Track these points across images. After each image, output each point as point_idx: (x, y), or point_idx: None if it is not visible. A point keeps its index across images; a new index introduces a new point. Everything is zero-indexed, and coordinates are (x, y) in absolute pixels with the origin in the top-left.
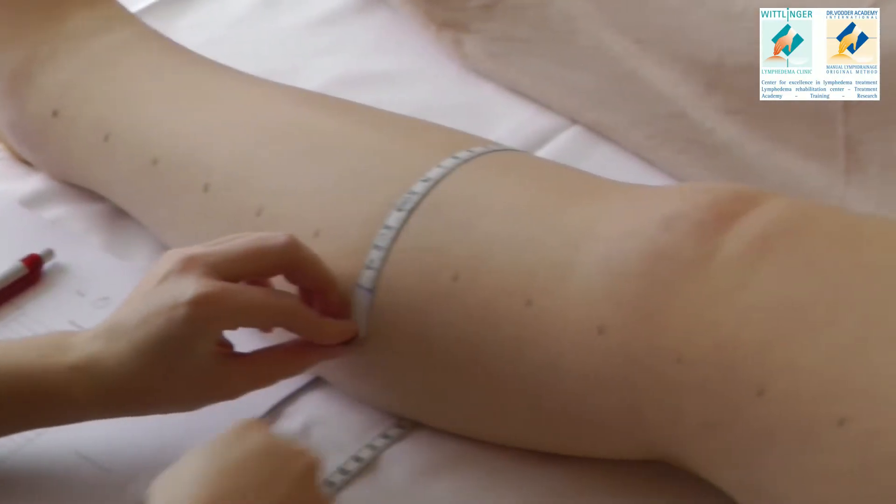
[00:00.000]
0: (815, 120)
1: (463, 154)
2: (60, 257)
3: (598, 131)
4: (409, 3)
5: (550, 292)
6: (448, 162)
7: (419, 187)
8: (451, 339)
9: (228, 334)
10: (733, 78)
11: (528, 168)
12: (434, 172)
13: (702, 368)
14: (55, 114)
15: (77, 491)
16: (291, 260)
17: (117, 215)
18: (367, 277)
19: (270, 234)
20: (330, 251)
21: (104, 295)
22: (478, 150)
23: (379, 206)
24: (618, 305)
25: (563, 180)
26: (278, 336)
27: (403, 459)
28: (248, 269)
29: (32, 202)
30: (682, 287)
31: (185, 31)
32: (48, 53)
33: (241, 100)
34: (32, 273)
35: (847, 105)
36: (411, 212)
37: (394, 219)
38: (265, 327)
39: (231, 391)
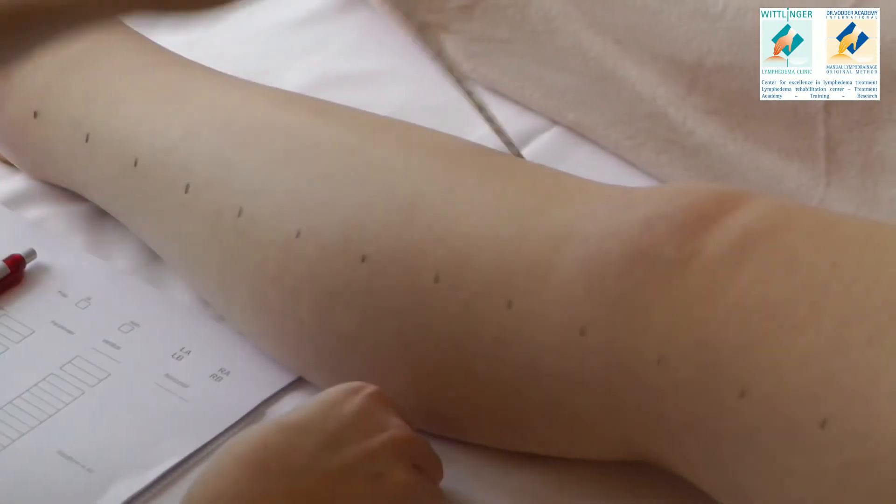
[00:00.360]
0: (796, 121)
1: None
2: (42, 258)
3: (578, 131)
4: (388, 3)
5: (531, 293)
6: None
7: None
8: (432, 341)
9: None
10: (713, 78)
11: (508, 169)
12: None
13: (683, 370)
14: (36, 115)
15: (60, 491)
16: None
17: (99, 216)
18: None
19: None
20: (309, 253)
21: (87, 296)
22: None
23: (356, 208)
24: (598, 306)
25: (543, 181)
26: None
27: None
28: None
29: (14, 202)
30: (662, 288)
31: (167, 32)
32: None
33: (221, 100)
34: (14, 273)
35: (828, 106)
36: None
37: None
38: None
39: None
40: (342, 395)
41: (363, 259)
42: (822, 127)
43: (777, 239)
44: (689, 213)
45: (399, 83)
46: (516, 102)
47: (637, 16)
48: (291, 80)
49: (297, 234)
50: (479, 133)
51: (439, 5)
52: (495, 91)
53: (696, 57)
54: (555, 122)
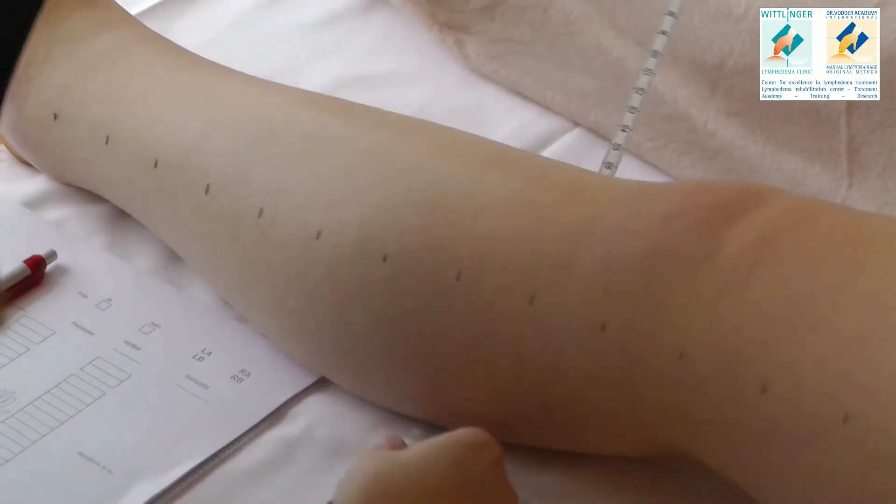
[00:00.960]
0: (818, 122)
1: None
2: (63, 259)
3: (600, 133)
4: (410, 4)
5: (552, 289)
6: None
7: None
8: (453, 340)
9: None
10: (735, 80)
11: (528, 165)
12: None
13: (704, 366)
14: (55, 117)
15: (80, 492)
16: None
17: (120, 217)
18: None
19: None
20: (329, 253)
21: (107, 297)
22: None
23: (377, 207)
24: (619, 302)
25: (563, 177)
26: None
27: None
28: None
29: (34, 203)
30: (683, 284)
31: (186, 32)
32: (45, 55)
33: (240, 99)
34: (35, 274)
35: (850, 107)
36: None
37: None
38: None
39: None
40: (470, 450)
41: (384, 259)
42: (844, 129)
43: (799, 236)
44: (711, 210)
45: (420, 84)
46: (538, 104)
47: (658, 17)
48: (312, 80)
49: (318, 235)
50: (501, 133)
51: (461, 6)
52: (517, 93)
53: (718, 58)
54: (576, 124)
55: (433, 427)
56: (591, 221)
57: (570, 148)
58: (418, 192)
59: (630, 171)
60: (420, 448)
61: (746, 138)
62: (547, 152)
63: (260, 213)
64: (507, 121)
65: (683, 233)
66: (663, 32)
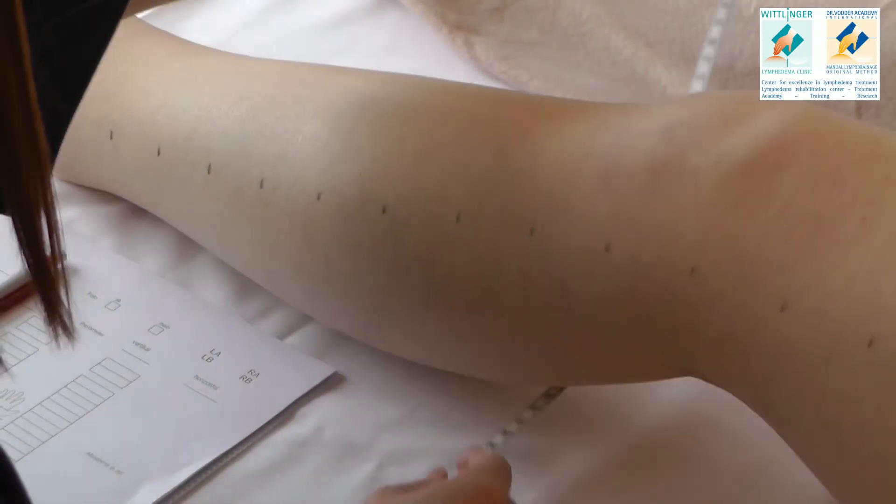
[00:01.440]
0: None
1: None
2: (72, 259)
3: None
4: (420, 4)
5: (552, 218)
6: None
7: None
8: (460, 284)
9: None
10: (744, 80)
11: (519, 101)
12: None
13: (718, 281)
14: None
15: (89, 493)
16: None
17: (128, 217)
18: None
19: None
20: (332, 213)
21: (116, 297)
22: None
23: (372, 161)
24: (622, 221)
25: (555, 106)
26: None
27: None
28: None
29: None
30: (690, 196)
31: (195, 33)
32: None
33: (234, 77)
34: None
35: (859, 108)
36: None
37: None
38: None
39: None
40: (473, 499)
41: (384, 210)
42: None
43: (818, 144)
44: (713, 116)
45: None
46: None
47: (668, 18)
48: None
49: (318, 197)
50: None
51: (470, 8)
52: (527, 93)
53: (728, 59)
54: None
55: (513, 435)
56: (586, 142)
57: None
58: (410, 140)
59: None
60: (417, 499)
61: None
62: None
63: (261, 184)
64: None
65: (685, 142)
66: None
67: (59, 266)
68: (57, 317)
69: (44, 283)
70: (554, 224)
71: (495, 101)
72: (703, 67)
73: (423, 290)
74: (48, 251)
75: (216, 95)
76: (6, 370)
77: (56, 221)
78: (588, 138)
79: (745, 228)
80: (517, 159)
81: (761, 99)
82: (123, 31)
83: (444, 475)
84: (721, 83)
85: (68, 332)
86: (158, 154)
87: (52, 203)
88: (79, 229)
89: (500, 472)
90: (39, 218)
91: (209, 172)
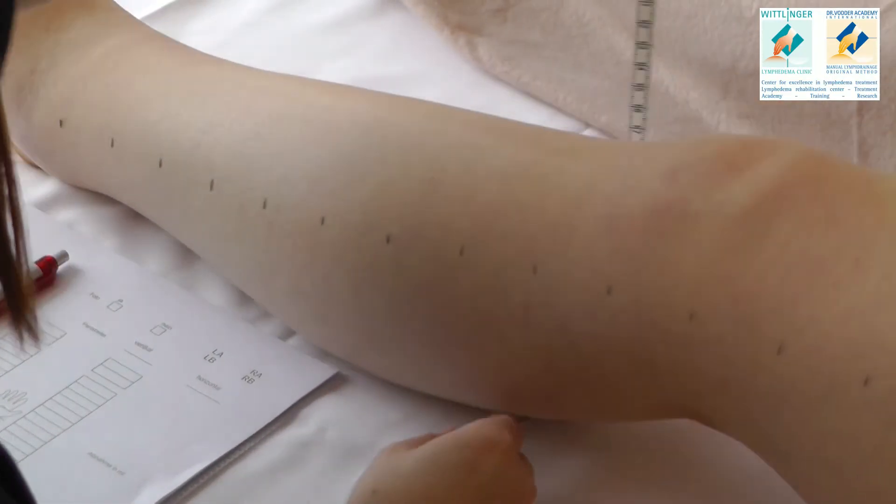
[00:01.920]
0: (829, 124)
1: None
2: (74, 260)
3: (611, 134)
4: (422, 5)
5: (555, 256)
6: None
7: None
8: (461, 313)
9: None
10: (746, 82)
11: (524, 133)
12: None
13: (717, 324)
14: (62, 123)
15: (91, 494)
16: None
17: (131, 218)
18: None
19: None
20: (335, 238)
21: (118, 298)
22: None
23: (377, 188)
24: (624, 264)
25: (560, 142)
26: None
27: None
28: None
29: (46, 205)
30: (691, 241)
31: (198, 34)
32: (49, 64)
33: (239, 91)
34: (47, 275)
35: (860, 110)
36: None
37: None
38: None
39: None
40: (478, 453)
41: (388, 239)
42: (855, 131)
43: (816, 189)
44: (716, 161)
45: (432, 86)
46: (549, 106)
47: (670, 20)
48: None
49: (322, 221)
50: None
51: (473, 8)
52: (528, 94)
53: (730, 61)
54: (588, 125)
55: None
56: (590, 182)
57: None
58: (416, 169)
59: None
60: (423, 453)
61: None
62: None
63: (264, 205)
64: None
65: (688, 187)
66: (644, 22)
67: (25, 266)
68: (22, 319)
69: (9, 283)
70: (556, 262)
71: (502, 132)
72: (637, 119)
73: (424, 319)
74: (13, 250)
75: (220, 110)
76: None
77: (20, 220)
78: (593, 178)
79: (742, 272)
80: (522, 193)
81: (763, 140)
82: (126, 36)
83: (453, 430)
84: (723, 85)
85: (34, 334)
86: (160, 166)
87: (16, 199)
88: (81, 230)
89: (509, 426)
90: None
91: (212, 188)
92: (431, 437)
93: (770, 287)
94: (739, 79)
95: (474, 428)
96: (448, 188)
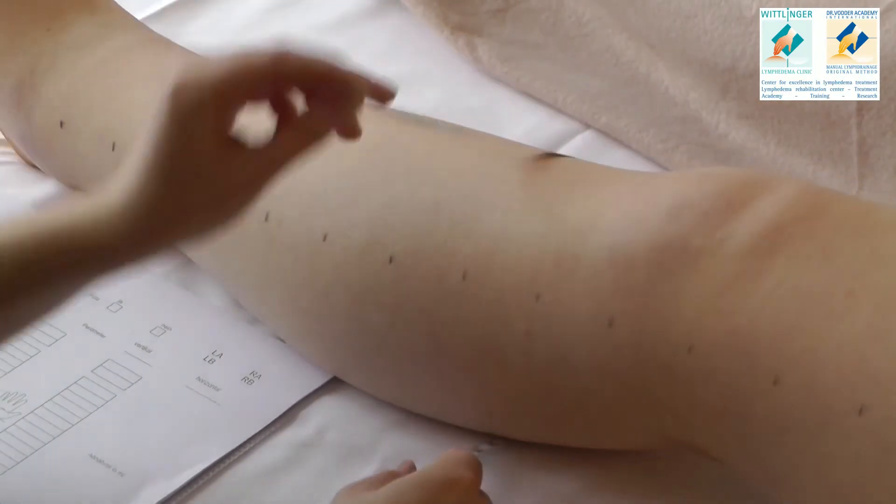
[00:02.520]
0: (828, 125)
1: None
2: None
3: (611, 135)
4: (422, 6)
5: (558, 286)
6: None
7: None
8: (462, 338)
9: None
10: (746, 82)
11: (531, 159)
12: None
13: (715, 358)
14: (62, 125)
15: (91, 495)
16: (287, 72)
17: None
18: None
19: (255, 51)
20: (337, 255)
21: (118, 299)
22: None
23: (382, 207)
24: (625, 297)
25: (566, 170)
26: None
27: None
28: (237, 91)
29: (44, 205)
30: (691, 276)
31: (198, 34)
32: (49, 64)
33: None
34: None
35: (860, 110)
36: None
37: None
38: (280, 92)
39: (247, 181)
40: (440, 492)
41: (390, 260)
42: (854, 131)
43: (810, 226)
44: (717, 199)
45: (432, 87)
46: (549, 106)
47: (670, 20)
48: None
49: (324, 238)
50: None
51: (472, 9)
52: (528, 95)
53: (730, 61)
54: (587, 126)
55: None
56: (595, 214)
57: (581, 150)
58: (421, 190)
59: None
60: (384, 495)
61: (758, 140)
62: None
63: (266, 217)
64: (519, 123)
65: (690, 224)
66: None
67: None
68: None
69: None
70: (560, 291)
71: (510, 159)
72: None
73: (424, 341)
74: None
75: None
76: None
77: None
78: (599, 209)
79: (739, 307)
80: (527, 221)
81: (761, 178)
82: (127, 38)
83: (412, 467)
84: (723, 85)
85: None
86: None
87: None
88: None
89: (469, 464)
90: None
91: None
92: (391, 475)
93: (766, 321)
94: (739, 79)
95: (435, 467)
96: (453, 212)
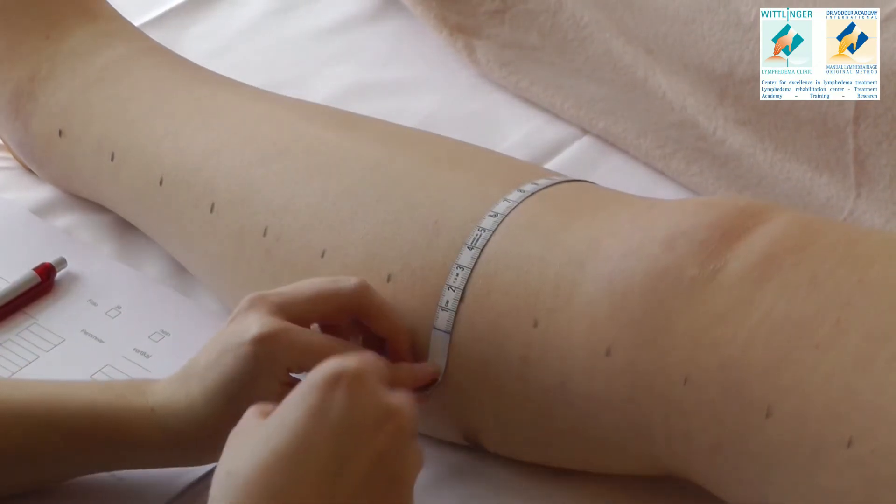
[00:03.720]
0: (825, 131)
1: (528, 187)
2: (72, 266)
3: (609, 140)
4: (421, 6)
5: (556, 312)
6: (514, 195)
7: (487, 223)
8: (459, 359)
9: None
10: (743, 88)
11: (532, 179)
12: (501, 206)
13: (709, 390)
14: (61, 133)
15: (90, 499)
16: (361, 304)
17: (129, 224)
18: (443, 319)
19: (342, 277)
20: (335, 272)
21: (117, 304)
22: (543, 182)
23: (380, 225)
24: (623, 326)
25: (567, 195)
26: None
27: None
28: (316, 310)
29: (43, 211)
30: (686, 307)
31: (196, 39)
32: (48, 72)
33: (244, 115)
34: (45, 282)
35: (857, 118)
36: (482, 250)
37: (466, 258)
38: None
39: None
40: (323, 392)
41: (388, 278)
42: (851, 139)
43: (800, 256)
44: (712, 230)
45: (429, 92)
46: (547, 111)
47: (668, 25)
48: (321, 88)
49: (323, 254)
50: (510, 140)
51: (471, 9)
52: (526, 100)
53: (727, 67)
54: (585, 131)
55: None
56: (593, 242)
57: (579, 155)
58: (421, 210)
59: (638, 178)
60: (272, 418)
61: (755, 147)
62: (556, 160)
63: (265, 232)
64: (516, 128)
65: (685, 254)
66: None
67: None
68: None
69: None
70: (557, 318)
71: (509, 182)
72: (448, 296)
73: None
74: None
75: (224, 134)
76: None
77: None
78: (597, 237)
79: (730, 339)
80: (526, 245)
81: (758, 207)
82: (127, 47)
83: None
84: (720, 91)
85: None
86: (161, 184)
87: None
88: (79, 236)
89: (360, 357)
90: None
91: (212, 211)
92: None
93: (756, 351)
94: (737, 85)
95: (316, 369)
96: (452, 232)
